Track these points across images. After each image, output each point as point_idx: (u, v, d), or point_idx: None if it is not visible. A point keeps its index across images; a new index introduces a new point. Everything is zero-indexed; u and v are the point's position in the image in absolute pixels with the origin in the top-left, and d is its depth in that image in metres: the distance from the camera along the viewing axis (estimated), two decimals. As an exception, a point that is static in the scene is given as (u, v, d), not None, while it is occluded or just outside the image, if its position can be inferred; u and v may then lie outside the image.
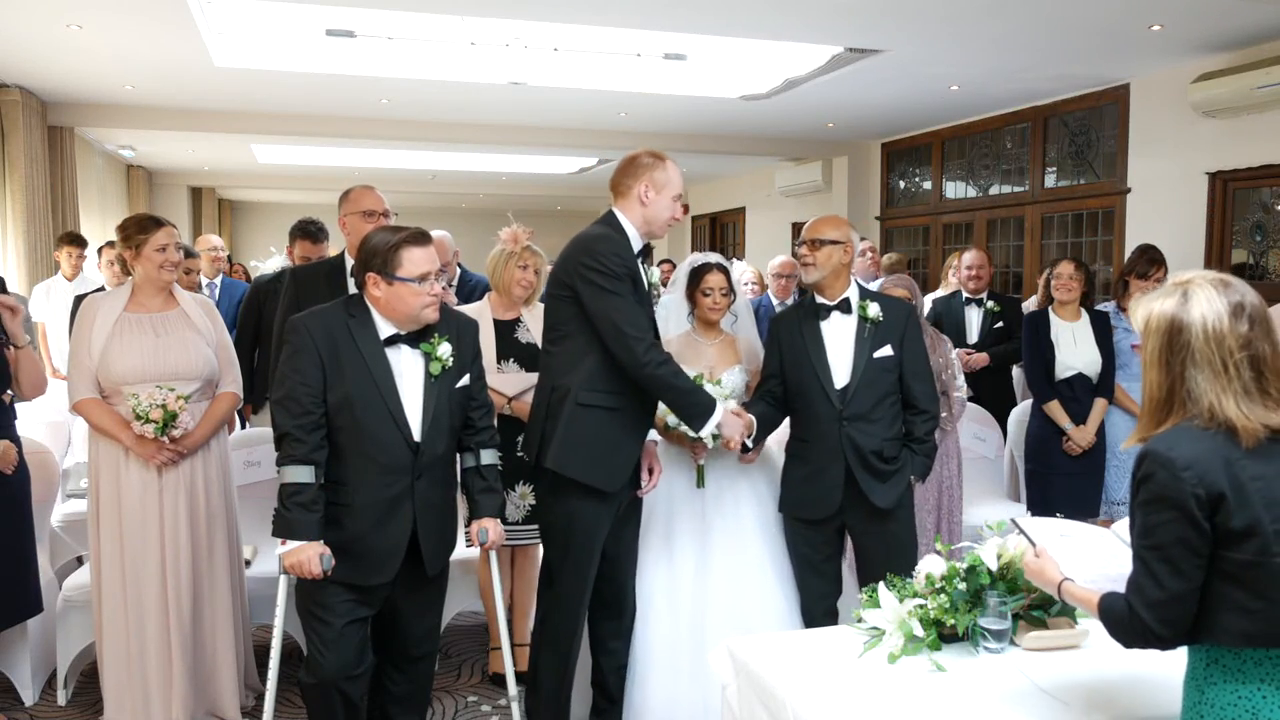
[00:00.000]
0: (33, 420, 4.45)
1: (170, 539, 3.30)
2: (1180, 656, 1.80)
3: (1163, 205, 6.98)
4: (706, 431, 3.05)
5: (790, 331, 3.37)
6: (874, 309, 3.30)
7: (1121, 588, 1.76)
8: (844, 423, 3.23)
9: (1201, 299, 1.72)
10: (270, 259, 7.54)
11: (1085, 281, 4.58)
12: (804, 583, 3.34)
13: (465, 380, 2.84)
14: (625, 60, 7.02)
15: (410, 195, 16.10)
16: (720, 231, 14.93)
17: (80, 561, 4.26)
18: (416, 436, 2.72)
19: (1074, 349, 4.53)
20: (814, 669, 2.25)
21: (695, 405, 3.00)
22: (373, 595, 2.77)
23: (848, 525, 3.34)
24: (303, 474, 2.63)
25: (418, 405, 2.73)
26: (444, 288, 2.82)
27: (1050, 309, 4.63)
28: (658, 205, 3.05)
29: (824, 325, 3.32)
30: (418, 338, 2.75)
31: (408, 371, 2.74)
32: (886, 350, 3.27)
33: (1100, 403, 4.52)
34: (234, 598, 3.48)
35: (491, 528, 2.91)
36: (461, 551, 3.89)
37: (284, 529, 2.62)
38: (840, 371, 3.27)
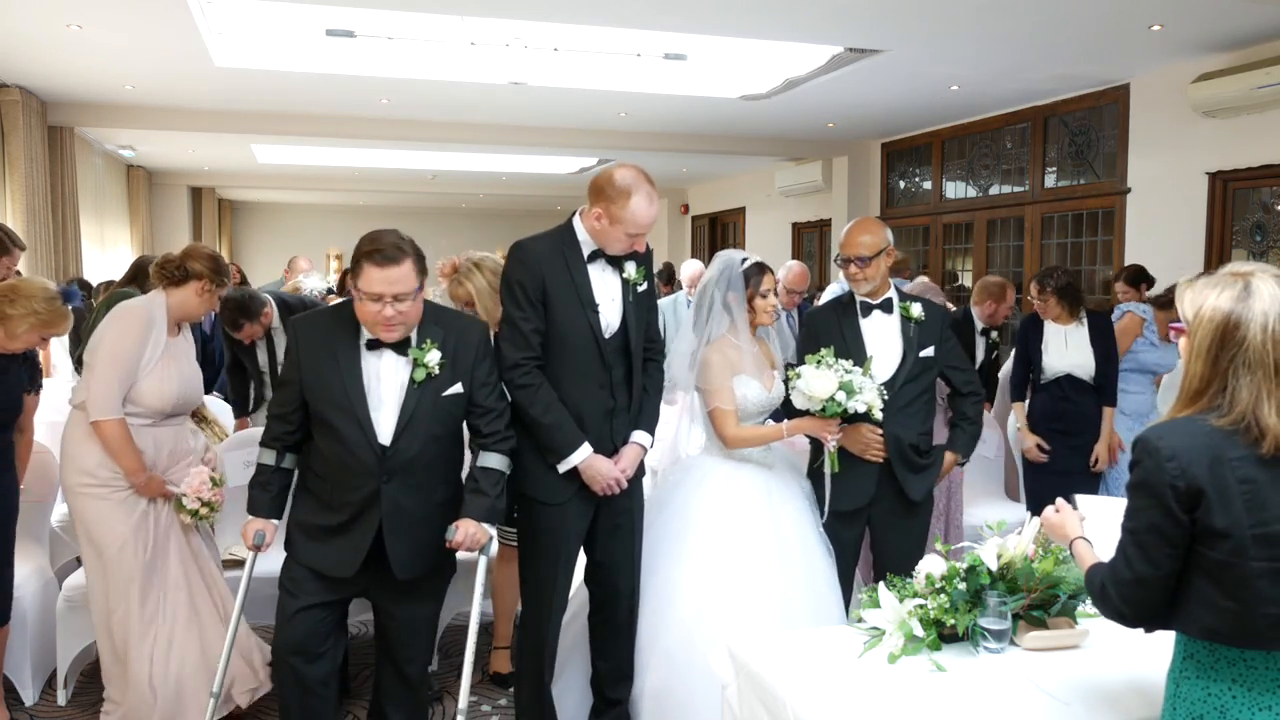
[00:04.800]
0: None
1: (161, 537, 3.29)
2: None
3: (1163, 205, 6.98)
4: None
5: (828, 328, 3.41)
6: (917, 309, 3.40)
7: None
8: (885, 417, 3.28)
9: (1265, 294, 1.65)
10: (309, 275, 7.07)
11: (1060, 293, 4.61)
12: (840, 579, 3.33)
13: (458, 388, 2.79)
14: (625, 60, 7.02)
15: (410, 195, 16.10)
16: (720, 231, 14.93)
17: (80, 561, 4.25)
18: (383, 440, 2.72)
19: (1064, 352, 4.62)
20: (814, 669, 2.25)
21: (550, 440, 2.94)
22: (340, 587, 2.83)
23: (871, 518, 3.39)
24: (267, 456, 2.88)
25: (393, 409, 2.73)
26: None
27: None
28: (608, 235, 2.96)
29: (864, 323, 3.39)
30: (405, 343, 2.75)
31: (387, 376, 2.74)
32: (929, 350, 3.38)
33: (1108, 411, 4.63)
34: (224, 591, 3.50)
35: (462, 528, 2.77)
36: (464, 552, 3.89)
37: (248, 504, 2.91)
38: (881, 367, 3.34)
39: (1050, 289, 4.61)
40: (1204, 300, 1.70)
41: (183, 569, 3.31)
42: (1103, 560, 1.83)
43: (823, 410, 3.16)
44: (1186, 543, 1.66)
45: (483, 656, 4.15)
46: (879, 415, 3.19)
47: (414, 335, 2.77)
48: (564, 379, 2.98)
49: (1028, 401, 4.77)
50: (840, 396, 3.13)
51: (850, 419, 3.23)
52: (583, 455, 2.95)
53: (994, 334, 5.55)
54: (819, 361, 3.19)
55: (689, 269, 6.38)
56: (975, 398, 3.48)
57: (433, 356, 2.74)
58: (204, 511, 3.26)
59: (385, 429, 2.72)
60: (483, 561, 2.88)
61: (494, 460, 2.87)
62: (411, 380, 2.74)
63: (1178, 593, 1.70)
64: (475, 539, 2.79)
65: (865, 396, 3.16)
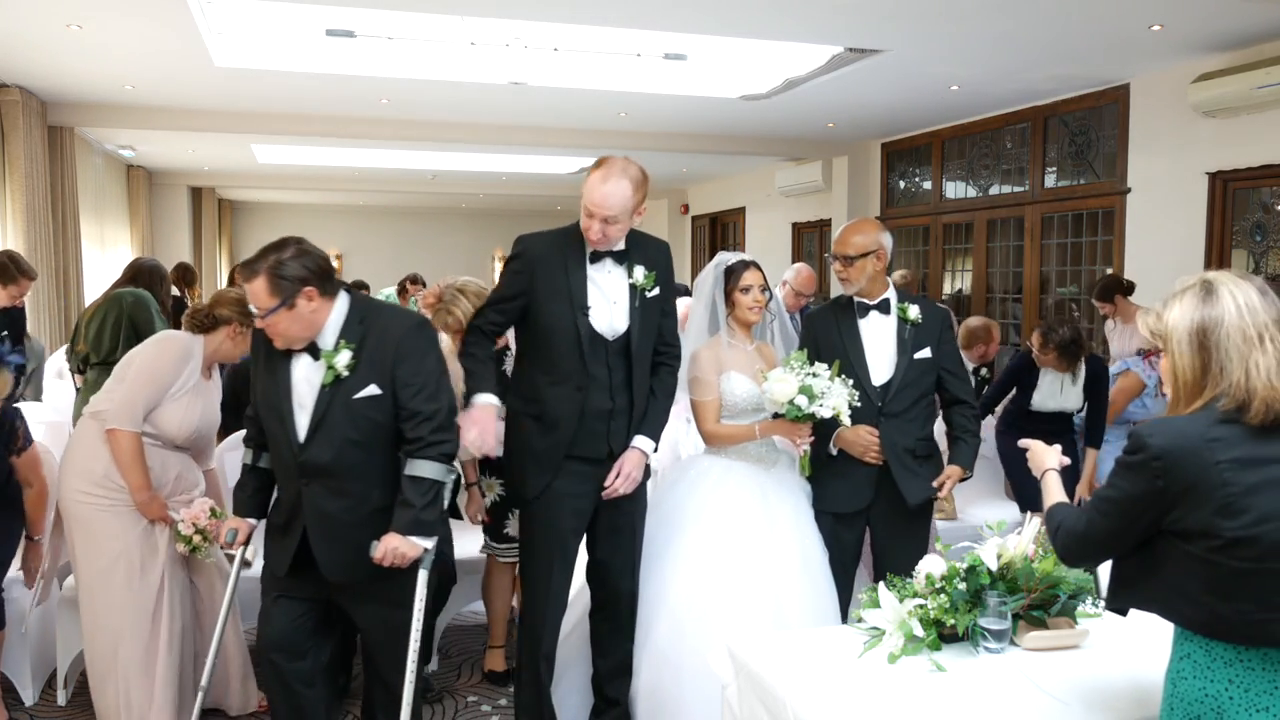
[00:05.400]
0: (32, 420, 4.43)
1: (150, 557, 3.28)
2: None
3: (1163, 205, 6.97)
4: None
5: (826, 329, 3.40)
6: (914, 311, 3.37)
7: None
8: (882, 419, 3.27)
9: (1229, 284, 1.72)
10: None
11: (1061, 349, 4.61)
12: (839, 580, 3.32)
13: (372, 390, 2.66)
14: (625, 60, 7.01)
15: (410, 195, 16.08)
16: (720, 231, 14.93)
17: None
18: (301, 441, 2.70)
19: (1057, 395, 4.74)
20: (814, 669, 2.26)
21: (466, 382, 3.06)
22: (300, 587, 2.81)
23: (871, 521, 3.37)
24: (246, 455, 2.95)
25: (308, 412, 2.70)
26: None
27: None
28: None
29: (862, 324, 3.37)
30: (314, 347, 2.70)
31: (305, 378, 2.72)
32: (925, 352, 3.35)
33: (1091, 453, 4.75)
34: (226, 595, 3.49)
35: (384, 543, 2.62)
36: (461, 552, 3.90)
37: None
38: (878, 369, 3.32)
39: (1053, 344, 4.62)
40: (1171, 312, 1.76)
41: (177, 598, 3.30)
42: (1068, 501, 2.01)
43: (788, 414, 3.14)
44: (1149, 532, 1.73)
45: (478, 656, 4.16)
46: (847, 421, 3.15)
47: (332, 336, 2.68)
48: (540, 377, 3.01)
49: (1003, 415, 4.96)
50: (801, 401, 3.09)
51: (830, 425, 3.20)
52: (478, 402, 2.96)
53: (984, 370, 5.58)
54: (787, 364, 3.18)
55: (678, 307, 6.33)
56: (970, 408, 3.44)
57: (341, 358, 2.64)
58: (197, 540, 3.22)
59: (303, 431, 2.72)
60: (421, 576, 2.70)
61: (423, 469, 2.65)
62: (322, 383, 2.68)
63: (1160, 583, 1.74)
64: (399, 554, 2.61)
65: (831, 401, 3.10)
